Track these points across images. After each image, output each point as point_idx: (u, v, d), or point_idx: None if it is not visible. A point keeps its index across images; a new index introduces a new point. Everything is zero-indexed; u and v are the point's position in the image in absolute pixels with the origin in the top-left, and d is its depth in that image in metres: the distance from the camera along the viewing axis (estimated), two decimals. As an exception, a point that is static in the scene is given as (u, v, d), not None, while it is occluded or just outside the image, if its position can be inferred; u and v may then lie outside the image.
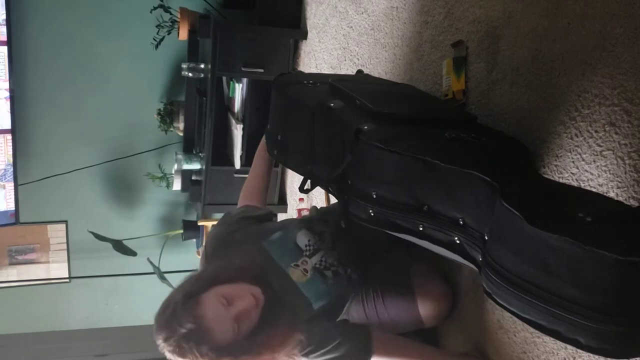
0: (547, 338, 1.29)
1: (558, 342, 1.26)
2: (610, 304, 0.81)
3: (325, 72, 2.54)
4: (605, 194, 1.09)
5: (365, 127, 1.16)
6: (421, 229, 1.08)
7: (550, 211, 0.92)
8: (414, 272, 1.54)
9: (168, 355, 1.14)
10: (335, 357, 1.32)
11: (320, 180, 1.31)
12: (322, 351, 1.31)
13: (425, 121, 1.24)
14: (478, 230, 0.99)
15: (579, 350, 1.20)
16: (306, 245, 1.43)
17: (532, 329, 1.33)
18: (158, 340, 1.15)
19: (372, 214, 1.14)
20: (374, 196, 1.13)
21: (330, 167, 1.24)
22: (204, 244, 1.51)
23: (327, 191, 1.32)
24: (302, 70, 2.83)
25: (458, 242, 1.04)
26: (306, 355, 1.28)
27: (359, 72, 1.85)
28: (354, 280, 1.47)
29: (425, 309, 1.50)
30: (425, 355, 1.46)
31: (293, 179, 2.97)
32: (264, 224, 1.53)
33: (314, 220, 1.53)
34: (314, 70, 2.68)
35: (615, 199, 1.07)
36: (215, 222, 3.25)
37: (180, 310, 1.13)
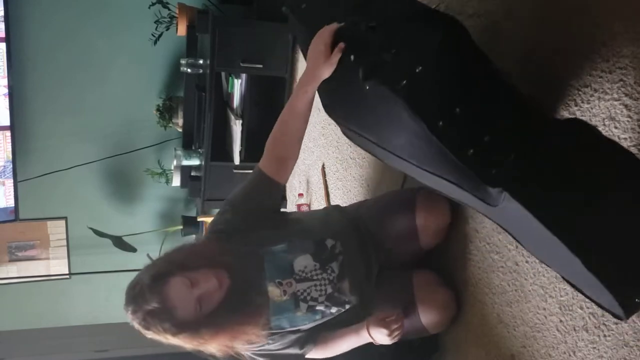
0: (547, 332, 1.30)
1: (558, 336, 1.26)
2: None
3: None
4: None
5: None
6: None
7: None
8: (415, 281, 1.54)
9: (135, 325, 1.28)
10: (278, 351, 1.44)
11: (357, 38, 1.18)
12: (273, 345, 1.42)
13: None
14: None
15: (579, 344, 1.21)
16: (300, 271, 1.41)
17: (531, 324, 1.34)
18: (127, 312, 1.28)
19: (404, 85, 1.05)
20: (416, 71, 1.05)
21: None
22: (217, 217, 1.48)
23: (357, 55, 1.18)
24: (301, 67, 2.82)
25: None
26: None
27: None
28: (345, 314, 1.45)
29: (427, 319, 1.50)
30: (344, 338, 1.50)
31: (293, 174, 2.97)
32: (276, 220, 1.48)
33: (326, 243, 1.45)
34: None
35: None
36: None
37: (147, 291, 1.24)
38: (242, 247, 1.38)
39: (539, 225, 0.94)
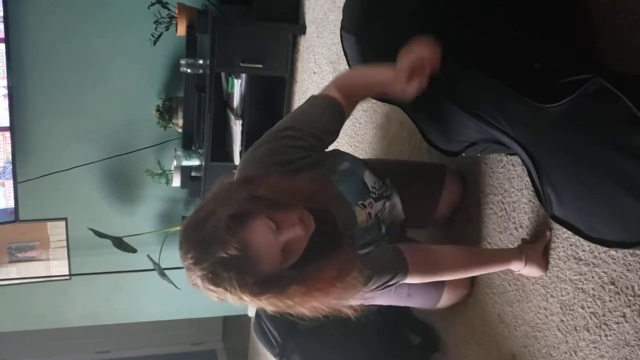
0: (548, 332, 1.29)
1: (559, 335, 1.26)
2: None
3: (325, 67, 2.53)
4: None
5: None
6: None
7: None
8: None
9: (194, 279, 0.97)
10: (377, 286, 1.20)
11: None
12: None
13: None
14: None
15: (580, 343, 1.20)
16: (373, 187, 1.26)
17: (532, 324, 1.33)
18: (186, 259, 0.98)
19: None
20: None
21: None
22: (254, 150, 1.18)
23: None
24: (301, 67, 2.82)
25: None
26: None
27: None
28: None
29: (448, 298, 1.50)
30: (460, 260, 1.27)
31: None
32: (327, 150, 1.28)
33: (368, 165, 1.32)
34: (313, 66, 2.67)
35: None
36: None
37: (224, 232, 0.93)
38: (314, 176, 1.14)
39: (608, 130, 0.88)
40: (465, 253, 1.33)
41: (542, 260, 1.28)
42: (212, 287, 0.95)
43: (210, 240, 0.94)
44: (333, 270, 1.01)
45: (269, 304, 0.98)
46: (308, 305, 1.00)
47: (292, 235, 0.98)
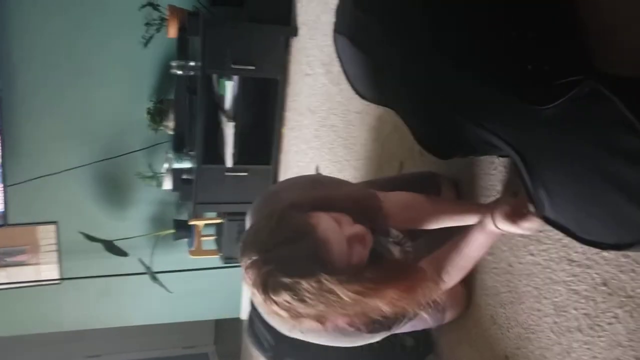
0: (541, 333, 1.29)
1: (552, 337, 1.26)
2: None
3: (318, 69, 2.52)
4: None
5: None
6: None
7: None
8: None
9: (259, 279, 0.86)
10: None
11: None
12: None
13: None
14: None
15: (573, 345, 1.21)
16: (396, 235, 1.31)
17: (525, 325, 1.33)
18: (248, 261, 0.89)
19: None
20: None
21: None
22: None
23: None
24: (294, 69, 2.82)
25: None
26: None
27: None
28: None
29: (451, 314, 1.52)
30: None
31: (286, 175, 2.96)
32: None
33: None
34: (305, 68, 2.67)
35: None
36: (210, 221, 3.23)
37: (291, 213, 0.90)
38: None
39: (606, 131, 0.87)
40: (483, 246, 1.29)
41: (518, 211, 1.14)
42: (284, 279, 0.84)
43: (275, 226, 0.90)
44: (403, 280, 0.97)
45: (350, 289, 0.86)
46: (387, 295, 0.91)
47: (354, 231, 0.94)
